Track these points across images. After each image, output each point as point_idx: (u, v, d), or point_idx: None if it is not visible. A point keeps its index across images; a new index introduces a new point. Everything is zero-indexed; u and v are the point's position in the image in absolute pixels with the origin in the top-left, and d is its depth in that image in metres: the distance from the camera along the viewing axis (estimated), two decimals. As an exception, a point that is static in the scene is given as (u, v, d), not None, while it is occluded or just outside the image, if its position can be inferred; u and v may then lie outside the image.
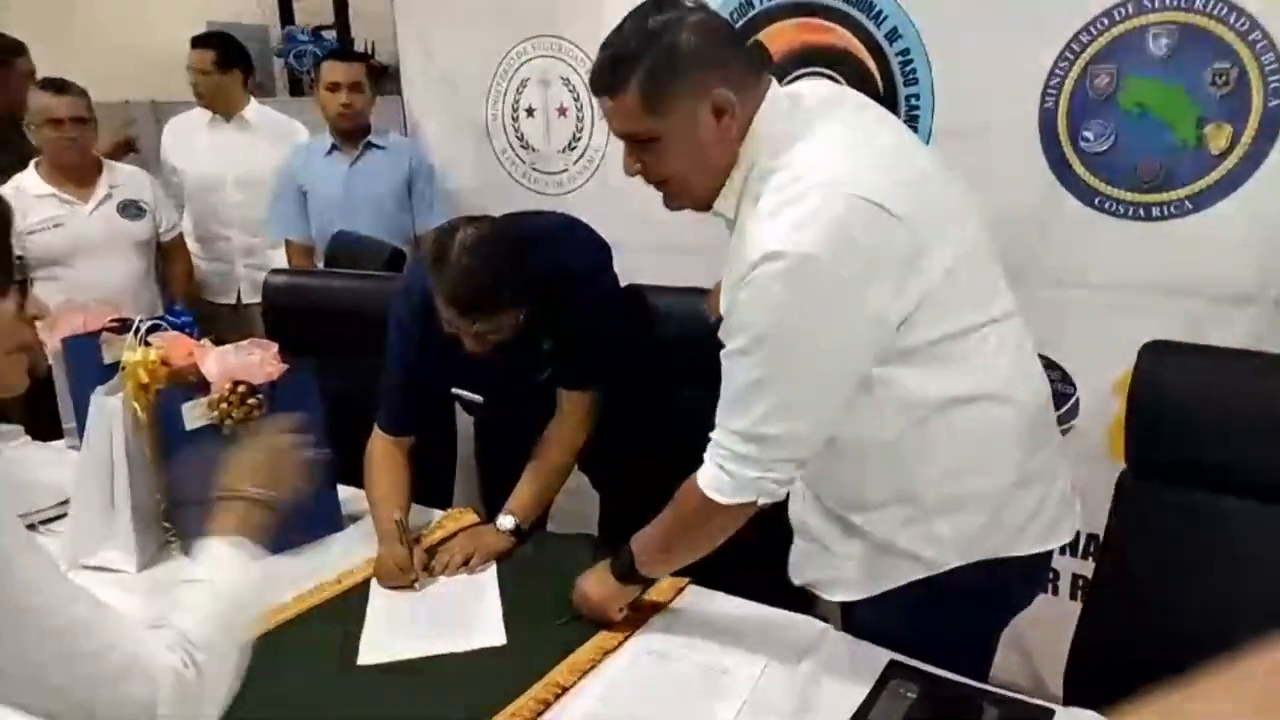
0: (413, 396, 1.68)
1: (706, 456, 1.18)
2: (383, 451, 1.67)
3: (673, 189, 1.19)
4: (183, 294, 2.95)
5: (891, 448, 1.17)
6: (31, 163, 2.69)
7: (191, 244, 3.12)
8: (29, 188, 2.64)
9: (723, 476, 1.15)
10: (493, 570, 1.51)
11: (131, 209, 2.78)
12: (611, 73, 1.12)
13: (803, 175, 1.07)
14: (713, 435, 1.17)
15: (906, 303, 1.09)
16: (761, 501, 1.16)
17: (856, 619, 1.32)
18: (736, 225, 1.16)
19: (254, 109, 3.17)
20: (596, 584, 1.33)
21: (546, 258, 1.53)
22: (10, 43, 3.07)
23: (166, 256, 2.93)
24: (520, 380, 1.67)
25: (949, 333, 1.13)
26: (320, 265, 2.74)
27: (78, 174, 2.70)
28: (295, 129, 3.18)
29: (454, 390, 1.77)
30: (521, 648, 1.30)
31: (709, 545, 1.25)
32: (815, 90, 1.22)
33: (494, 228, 1.47)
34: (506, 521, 1.57)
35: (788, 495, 1.27)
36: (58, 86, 2.62)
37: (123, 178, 2.81)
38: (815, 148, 1.11)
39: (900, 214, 1.06)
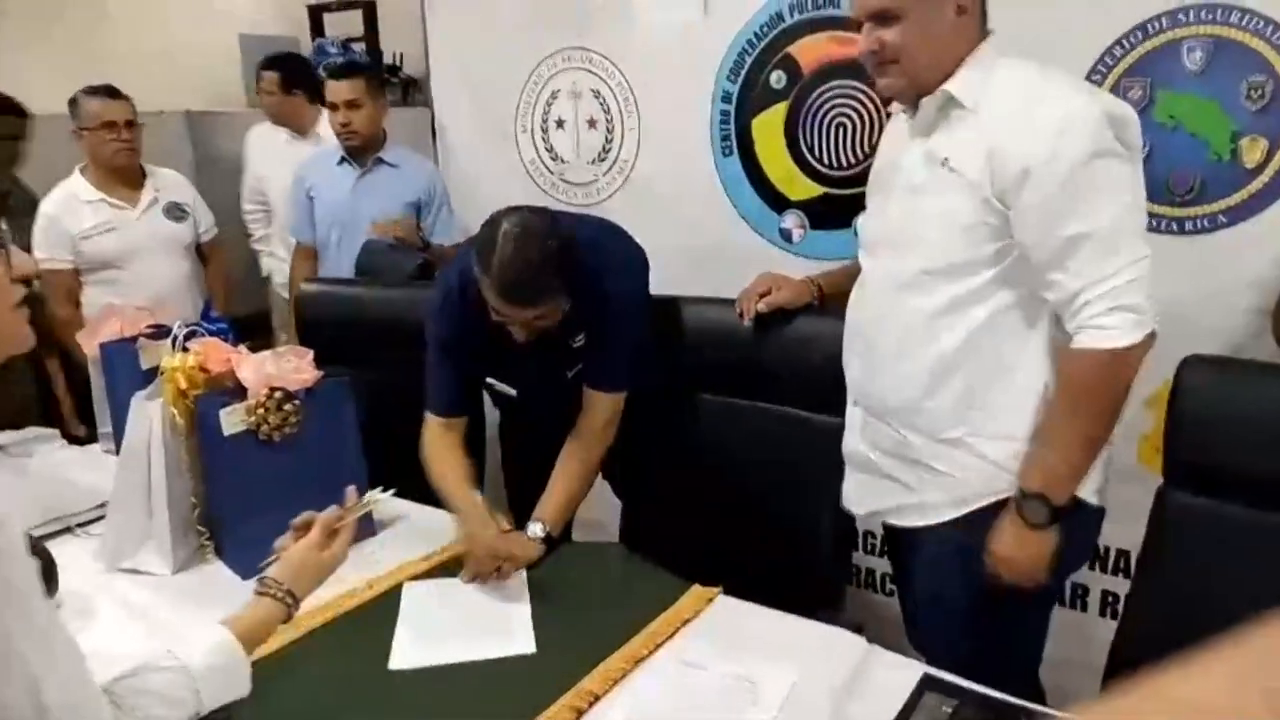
0: (459, 378, 1.69)
1: (1082, 320, 1.24)
2: (439, 436, 1.68)
3: (902, 67, 1.33)
4: (221, 292, 3.01)
5: (1008, 347, 1.33)
6: (77, 168, 2.74)
7: (282, 250, 3.25)
8: (79, 193, 2.69)
9: (1120, 317, 1.21)
10: (523, 577, 1.51)
11: (175, 211, 2.85)
12: None
13: (1065, 75, 1.32)
14: (1083, 297, 1.23)
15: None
16: (1155, 328, 1.24)
17: (922, 551, 1.44)
18: (980, 106, 1.30)
19: (325, 124, 3.24)
20: (1016, 547, 1.32)
21: (589, 255, 1.55)
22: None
23: (205, 257, 3.01)
24: (550, 375, 1.68)
25: None
26: (321, 272, 2.77)
27: (125, 178, 2.75)
28: None
29: (488, 380, 1.78)
30: (553, 656, 1.31)
31: (1114, 418, 1.29)
32: None
33: (537, 217, 1.50)
34: (536, 529, 1.58)
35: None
36: (109, 92, 2.68)
37: (164, 181, 2.88)
38: (1037, 63, 1.33)
39: None
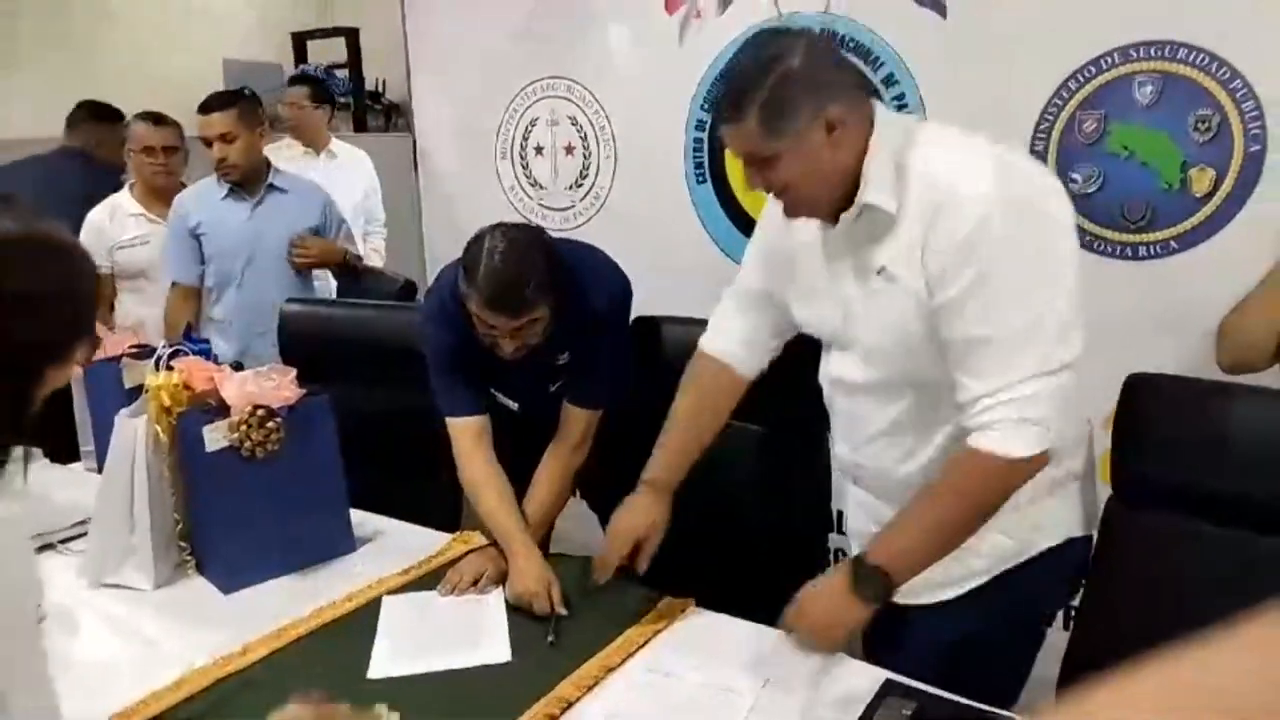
0: (471, 378, 1.70)
1: (982, 423, 1.17)
2: (472, 451, 1.66)
3: (793, 198, 1.27)
4: None
5: None
6: (126, 184, 2.95)
7: None
8: (124, 205, 2.93)
9: (1020, 429, 1.15)
10: (500, 590, 1.55)
11: None
12: (731, 105, 1.21)
13: (976, 144, 1.22)
14: (982, 401, 1.17)
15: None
16: (1053, 448, 1.18)
17: (911, 626, 1.38)
18: (904, 205, 1.21)
19: (335, 143, 3.54)
20: (829, 605, 1.27)
21: (574, 274, 1.59)
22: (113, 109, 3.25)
23: None
24: (535, 389, 1.72)
25: (1072, 320, 1.22)
26: (211, 309, 2.77)
27: (165, 196, 2.89)
28: (363, 158, 3.59)
29: (492, 390, 1.80)
30: (528, 664, 1.34)
31: (980, 525, 1.24)
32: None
33: (522, 231, 1.55)
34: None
35: (839, 515, 1.32)
36: (155, 119, 2.86)
37: None
38: (956, 132, 1.26)
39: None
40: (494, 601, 1.52)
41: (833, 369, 1.41)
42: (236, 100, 2.68)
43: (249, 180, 2.70)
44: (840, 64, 1.26)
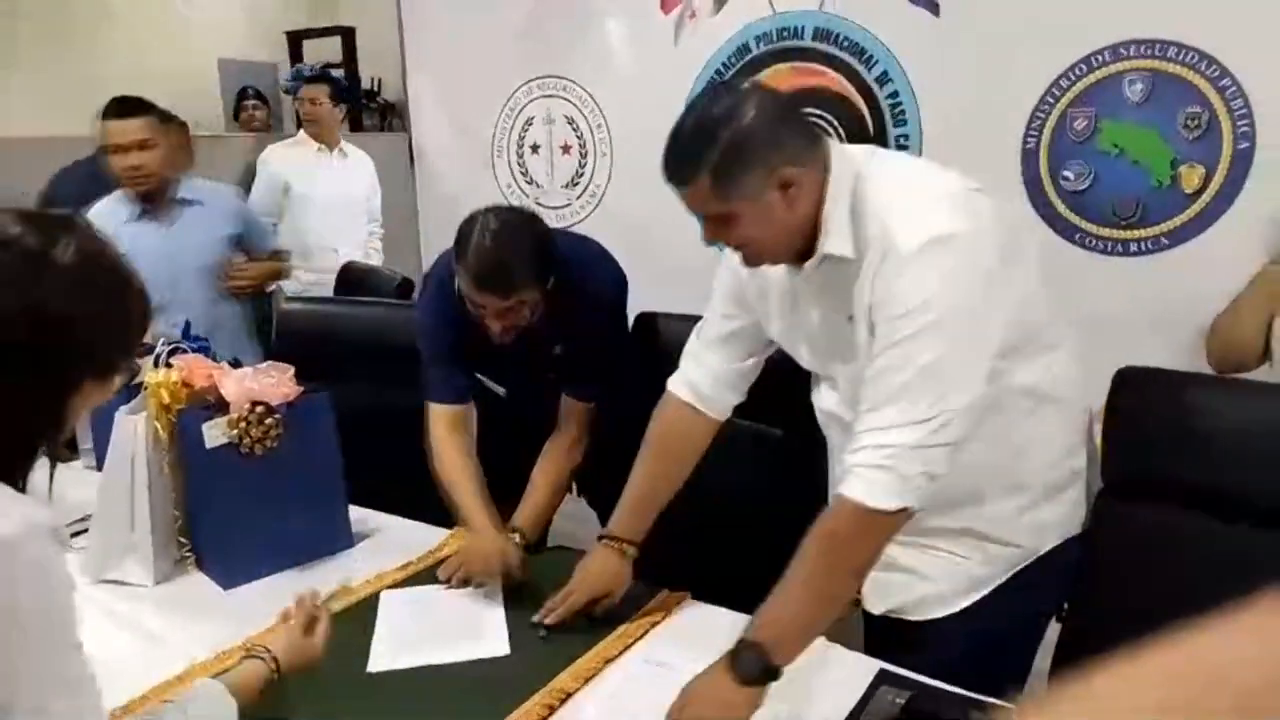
0: (458, 365, 1.73)
1: (851, 466, 1.15)
2: (447, 435, 1.71)
3: (751, 252, 1.26)
4: None
5: (1010, 440, 1.28)
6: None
7: (295, 258, 3.29)
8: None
9: (882, 477, 1.12)
10: (498, 584, 1.56)
11: None
12: (680, 167, 1.19)
13: (919, 179, 1.23)
14: (863, 440, 1.15)
15: (1020, 279, 1.21)
16: (915, 507, 1.14)
17: (925, 636, 1.37)
18: (862, 247, 1.19)
19: (345, 143, 3.64)
20: (714, 696, 1.16)
21: (570, 266, 1.61)
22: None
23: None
24: (531, 380, 1.74)
25: (1048, 319, 1.27)
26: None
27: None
28: (366, 158, 3.71)
29: (479, 375, 1.82)
30: (526, 656, 1.36)
31: (856, 582, 1.20)
32: (857, 145, 1.32)
33: (515, 213, 1.57)
34: (513, 536, 1.63)
35: None
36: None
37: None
38: (904, 164, 1.29)
39: (995, 201, 1.21)
40: (492, 594, 1.54)
41: (822, 401, 1.43)
42: (152, 107, 2.47)
43: (157, 197, 2.46)
44: (790, 118, 1.24)
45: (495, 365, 1.75)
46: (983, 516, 1.33)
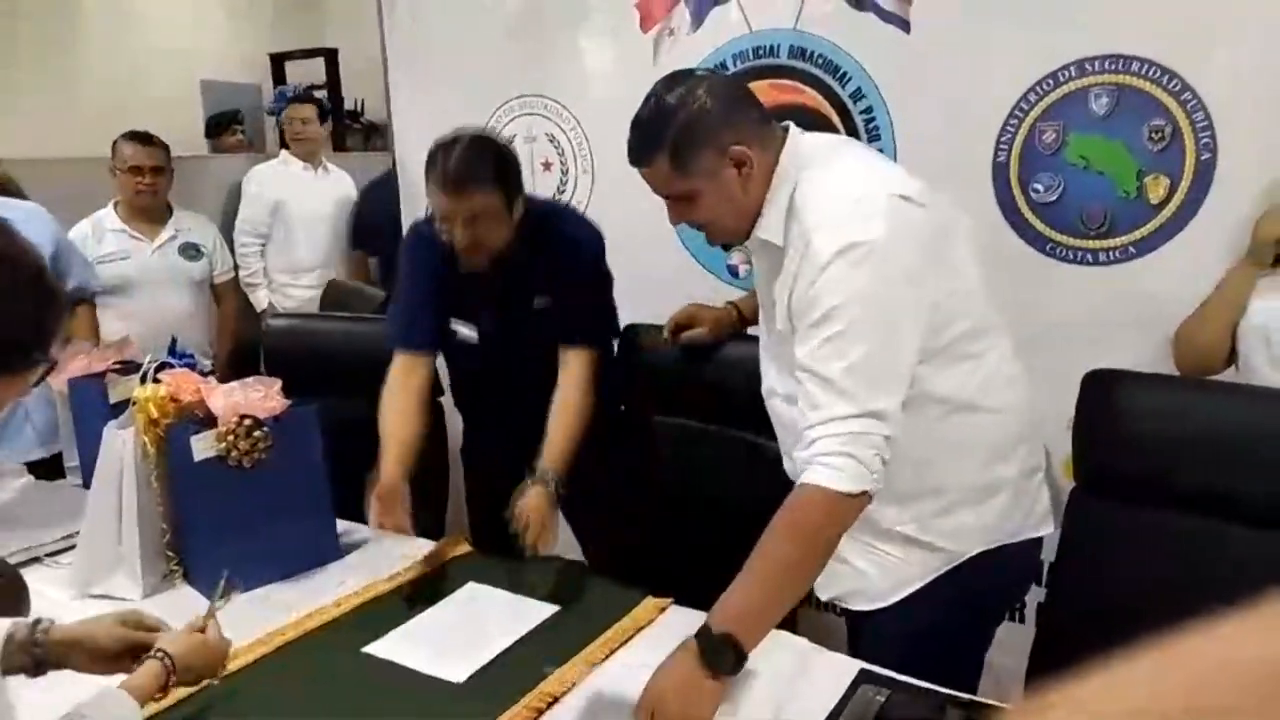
0: (426, 310, 1.82)
1: (811, 458, 1.19)
2: (400, 380, 1.80)
3: (712, 230, 1.38)
4: (231, 331, 3.29)
5: (923, 444, 1.30)
6: (111, 201, 3.05)
7: (284, 276, 3.59)
8: (105, 221, 3.04)
9: (846, 463, 1.16)
10: (538, 608, 1.52)
11: (190, 250, 3.14)
12: (641, 149, 1.32)
13: (845, 186, 1.27)
14: (814, 433, 1.20)
15: (941, 289, 1.25)
16: (873, 490, 1.19)
17: (871, 627, 1.43)
18: (788, 242, 1.29)
19: (326, 161, 3.78)
20: (684, 690, 1.16)
21: (547, 216, 1.79)
22: None
23: (218, 296, 3.30)
24: (503, 325, 1.82)
25: (971, 329, 1.29)
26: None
27: (149, 215, 3.07)
28: (345, 175, 3.83)
29: (452, 322, 1.87)
30: (513, 661, 1.37)
31: (821, 565, 1.24)
32: (824, 135, 1.41)
33: (483, 135, 1.74)
34: (545, 474, 1.67)
35: None
36: (143, 139, 2.99)
37: (188, 222, 3.18)
38: (844, 167, 1.31)
39: (924, 203, 1.25)
40: (532, 613, 1.52)
41: (766, 381, 1.49)
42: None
43: None
44: (742, 100, 1.33)
45: (470, 308, 1.83)
46: (904, 517, 1.37)
